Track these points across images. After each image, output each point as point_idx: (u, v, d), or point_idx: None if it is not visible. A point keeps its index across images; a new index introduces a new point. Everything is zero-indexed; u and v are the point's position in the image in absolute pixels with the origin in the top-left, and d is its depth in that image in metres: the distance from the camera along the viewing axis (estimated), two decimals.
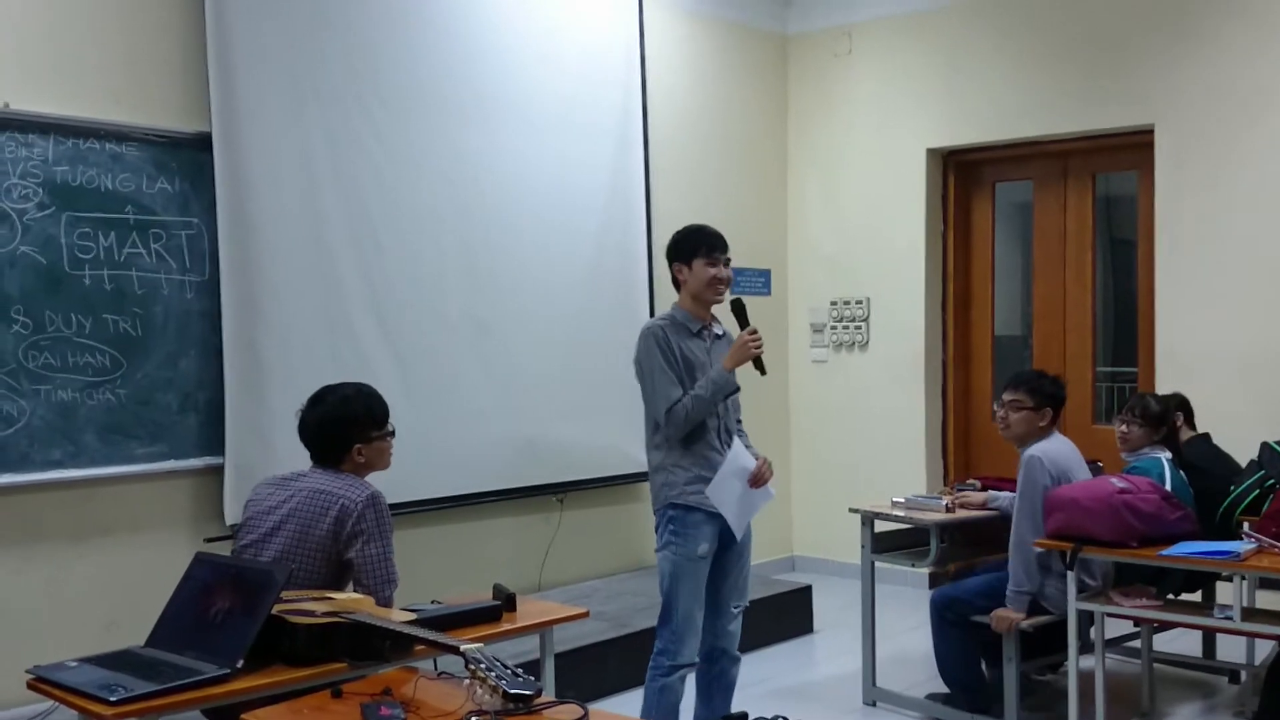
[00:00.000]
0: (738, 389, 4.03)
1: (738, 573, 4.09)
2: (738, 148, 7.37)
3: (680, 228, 4.21)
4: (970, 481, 5.22)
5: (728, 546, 4.02)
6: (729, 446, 3.98)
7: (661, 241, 6.67)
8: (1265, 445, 4.72)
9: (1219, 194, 6.00)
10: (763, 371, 4.03)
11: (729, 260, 4.09)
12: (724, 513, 3.92)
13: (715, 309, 4.15)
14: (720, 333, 4.13)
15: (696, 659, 3.98)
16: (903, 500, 5.01)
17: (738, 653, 4.14)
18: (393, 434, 3.55)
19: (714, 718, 4.11)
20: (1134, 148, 6.38)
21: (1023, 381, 4.64)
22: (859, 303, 7.35)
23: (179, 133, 4.77)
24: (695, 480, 3.92)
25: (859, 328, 7.36)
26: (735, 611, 4.10)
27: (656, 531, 4.00)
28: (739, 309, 4.11)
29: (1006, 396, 4.63)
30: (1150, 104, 6.18)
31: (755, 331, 3.96)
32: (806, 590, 6.27)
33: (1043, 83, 6.57)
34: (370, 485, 3.37)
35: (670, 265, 4.13)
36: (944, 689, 4.87)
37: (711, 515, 3.92)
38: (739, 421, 4.18)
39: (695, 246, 4.06)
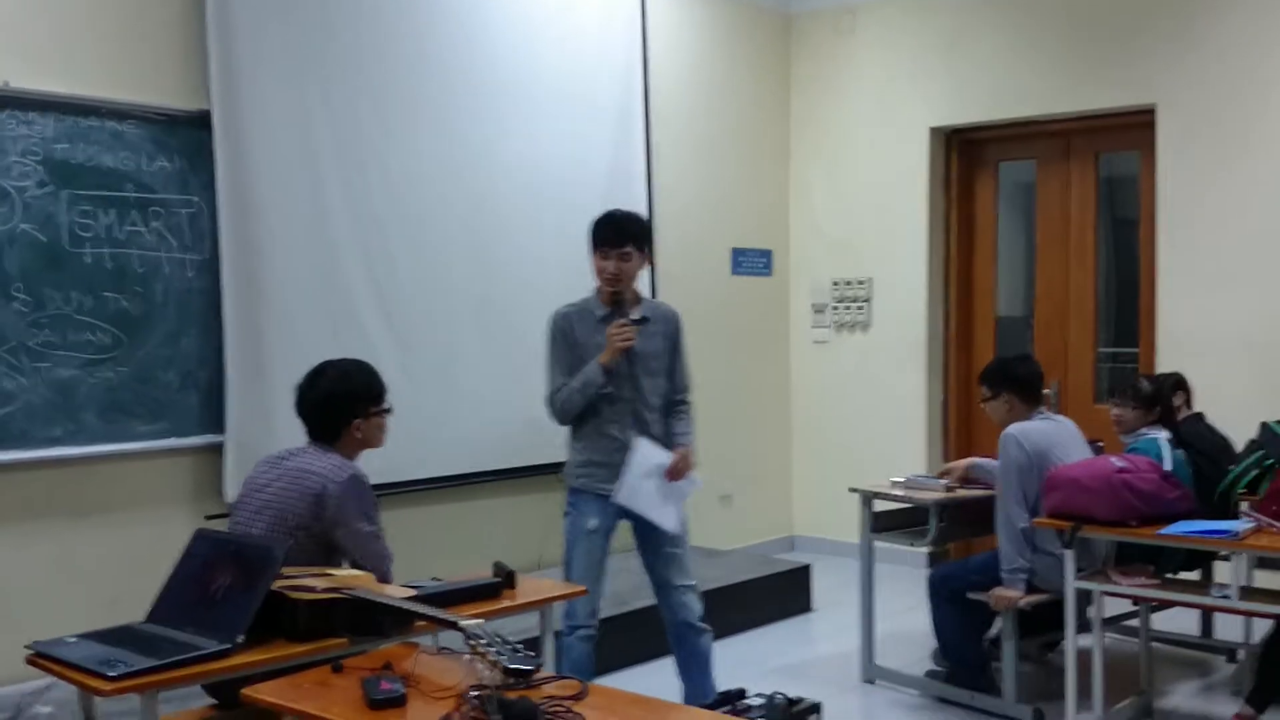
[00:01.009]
0: (603, 384, 4.03)
1: (670, 550, 4.19)
2: (739, 126, 7.35)
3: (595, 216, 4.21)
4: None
5: (650, 528, 4.15)
6: (631, 431, 4.06)
7: (663, 220, 6.72)
8: (1265, 425, 4.72)
9: (1221, 174, 5.98)
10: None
11: (627, 254, 4.06)
12: (645, 514, 4.07)
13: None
14: (638, 316, 4.13)
15: (593, 621, 4.11)
16: (902, 480, 5.02)
17: (702, 624, 4.24)
18: (390, 411, 3.55)
19: (697, 692, 4.22)
20: (1136, 127, 6.37)
21: (982, 376, 4.77)
22: (861, 283, 7.34)
23: (179, 111, 4.76)
24: (586, 464, 4.11)
25: (860, 308, 7.35)
26: (679, 585, 4.21)
27: None
28: (618, 302, 4.08)
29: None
30: (1152, 84, 6.16)
31: (623, 323, 4.01)
32: (805, 569, 6.29)
33: (1046, 61, 6.55)
34: (353, 466, 3.35)
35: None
36: (941, 666, 4.90)
37: (601, 495, 4.07)
38: (681, 403, 4.24)
39: (593, 237, 4.12)
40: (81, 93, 4.50)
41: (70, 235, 4.48)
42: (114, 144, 4.59)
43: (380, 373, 3.59)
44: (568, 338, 4.08)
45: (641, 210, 6.43)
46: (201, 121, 4.79)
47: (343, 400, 3.45)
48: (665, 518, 4.12)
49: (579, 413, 4.08)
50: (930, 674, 4.92)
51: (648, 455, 4.06)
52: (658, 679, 4.51)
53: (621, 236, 4.09)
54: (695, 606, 4.23)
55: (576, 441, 4.13)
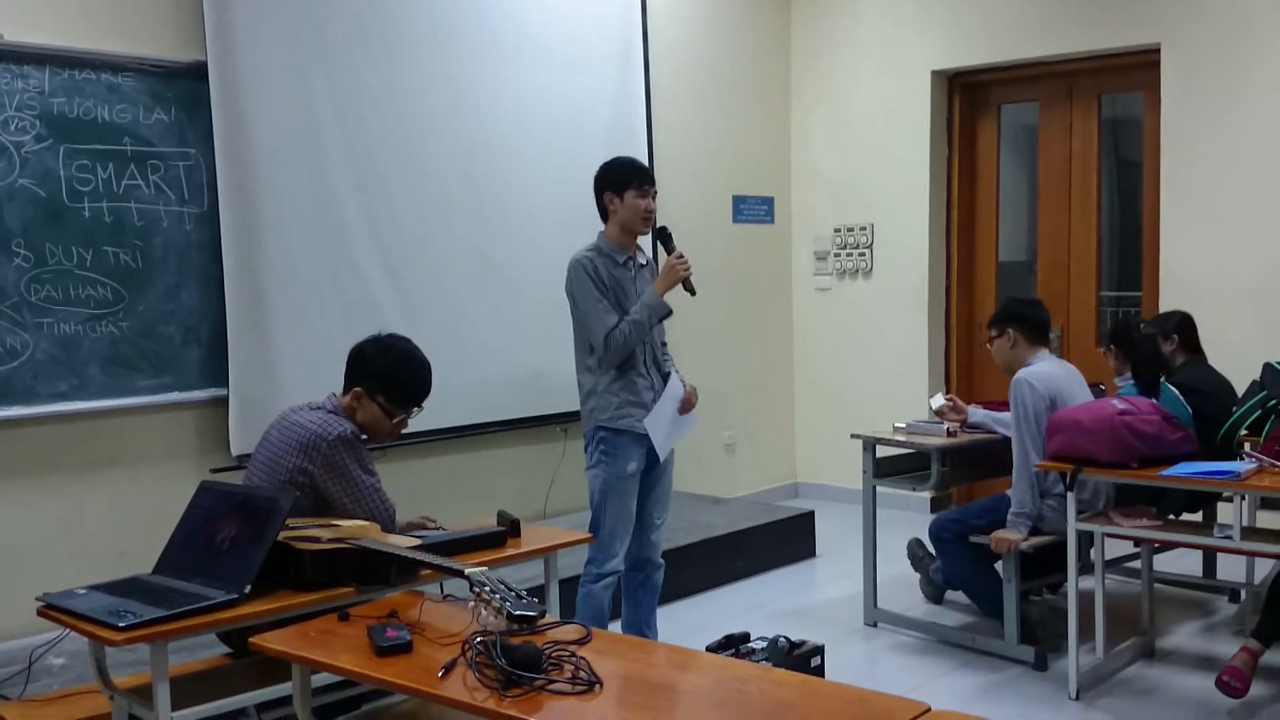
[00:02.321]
0: (670, 312, 4.17)
1: (661, 489, 4.33)
2: (740, 72, 7.30)
3: (610, 159, 4.27)
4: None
5: (651, 467, 4.25)
6: (654, 371, 4.20)
7: (664, 169, 6.68)
8: (1268, 365, 4.70)
9: (1225, 114, 5.94)
10: (692, 293, 4.18)
11: (655, 193, 4.21)
12: (654, 438, 4.14)
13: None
14: (644, 262, 4.27)
15: (621, 568, 4.22)
16: (904, 425, 5.03)
17: (660, 560, 4.40)
18: (403, 421, 3.46)
19: (643, 620, 4.37)
20: (1140, 68, 6.31)
21: (990, 320, 4.83)
22: (863, 229, 7.31)
23: (174, 62, 4.73)
24: (625, 405, 4.12)
25: (863, 255, 7.33)
26: (658, 524, 4.35)
27: (586, 451, 4.21)
28: (665, 236, 4.32)
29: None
30: (1156, 23, 6.09)
31: (682, 255, 4.12)
32: (809, 515, 6.32)
33: (1048, 2, 6.48)
34: (347, 425, 3.29)
35: (599, 195, 4.21)
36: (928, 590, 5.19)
37: (640, 436, 4.13)
38: (664, 345, 4.35)
39: (628, 178, 4.16)
40: (76, 45, 4.47)
41: (69, 189, 4.47)
42: (110, 97, 4.57)
43: (427, 380, 3.49)
44: (600, 279, 4.08)
45: (643, 158, 6.41)
46: (198, 73, 4.76)
47: (361, 371, 3.40)
48: (665, 444, 4.23)
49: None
50: (928, 582, 5.21)
51: (674, 386, 4.21)
52: (662, 623, 4.54)
53: (652, 175, 4.22)
54: (660, 545, 4.40)
55: (614, 384, 4.11)
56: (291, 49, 5.04)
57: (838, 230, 7.43)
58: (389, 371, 3.40)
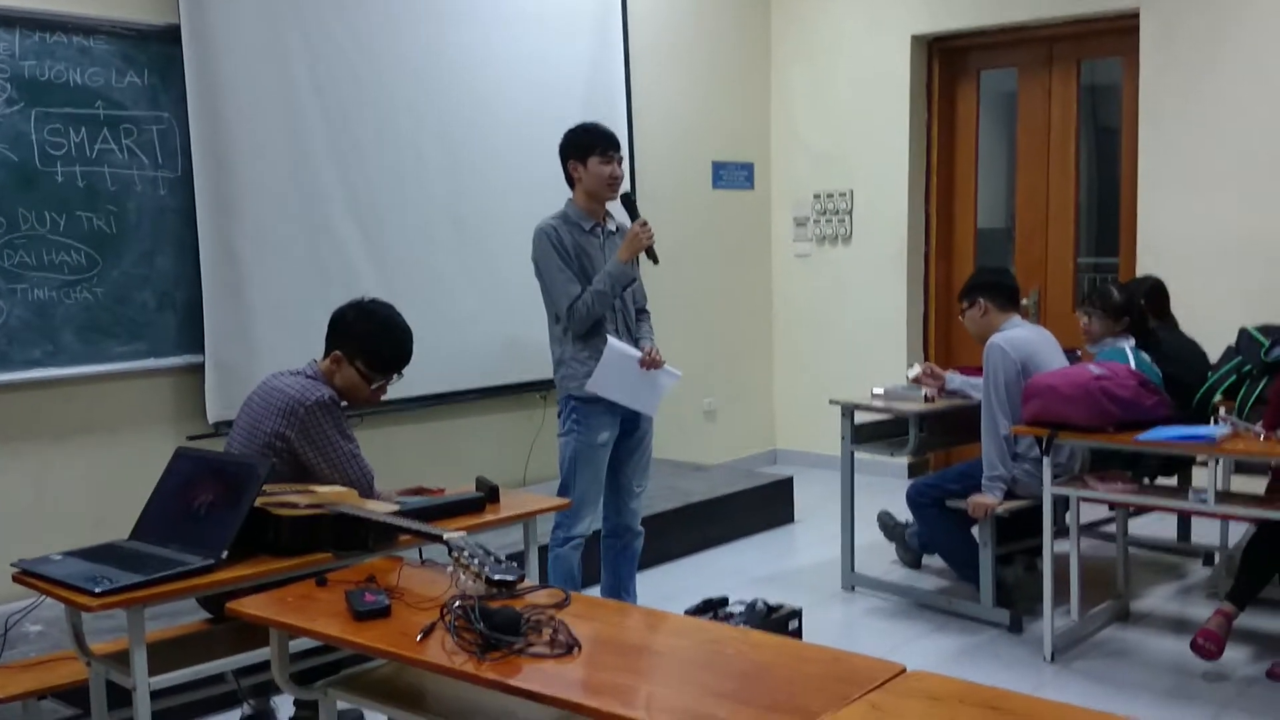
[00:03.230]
0: (635, 279, 4.18)
1: (639, 457, 4.32)
2: (719, 38, 7.25)
3: (573, 126, 4.24)
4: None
5: (629, 434, 4.24)
6: (625, 338, 4.16)
7: (643, 135, 6.65)
8: (1243, 331, 4.73)
9: (1202, 80, 5.94)
10: (655, 260, 4.17)
11: (622, 159, 4.19)
12: (621, 401, 4.11)
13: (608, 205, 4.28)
14: (613, 229, 4.25)
15: (588, 532, 4.23)
16: (882, 391, 5.05)
17: (640, 527, 4.42)
18: (382, 388, 3.42)
19: (622, 586, 4.40)
20: (1119, 33, 6.31)
21: (961, 291, 4.86)
22: (842, 195, 7.31)
23: (147, 25, 4.67)
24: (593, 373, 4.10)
25: (842, 221, 7.33)
26: (638, 491, 4.36)
27: (560, 418, 4.21)
28: (629, 203, 4.26)
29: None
30: None
31: (645, 222, 4.11)
32: (788, 482, 6.35)
33: None
34: (326, 390, 3.25)
35: (565, 163, 4.19)
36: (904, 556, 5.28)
37: (613, 406, 4.12)
38: (644, 311, 4.34)
39: (591, 144, 4.14)
40: (47, 7, 4.40)
41: (41, 154, 4.41)
42: (82, 60, 4.51)
43: (408, 347, 3.42)
44: (564, 248, 4.07)
45: (622, 126, 6.37)
46: (171, 35, 4.70)
47: (341, 336, 3.36)
48: (647, 405, 4.22)
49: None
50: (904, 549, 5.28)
51: (615, 349, 4.10)
52: (641, 588, 4.56)
53: (616, 140, 4.18)
54: (640, 512, 4.41)
55: (581, 352, 4.11)
56: (266, 11, 4.98)
57: (817, 196, 7.42)
58: (369, 337, 3.36)
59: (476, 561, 2.36)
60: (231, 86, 4.87)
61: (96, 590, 2.55)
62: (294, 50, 5.09)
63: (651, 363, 4.14)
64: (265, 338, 4.93)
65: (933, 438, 5.07)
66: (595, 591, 4.45)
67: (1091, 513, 4.99)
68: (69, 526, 4.35)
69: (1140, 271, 5.92)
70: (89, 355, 4.57)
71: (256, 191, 4.97)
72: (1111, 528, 4.99)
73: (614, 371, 4.08)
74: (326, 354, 3.38)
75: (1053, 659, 4.19)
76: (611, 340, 4.10)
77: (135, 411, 4.75)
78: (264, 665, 2.70)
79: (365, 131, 5.36)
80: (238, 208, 4.91)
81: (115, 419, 4.70)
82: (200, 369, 4.84)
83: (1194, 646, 3.97)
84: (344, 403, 3.36)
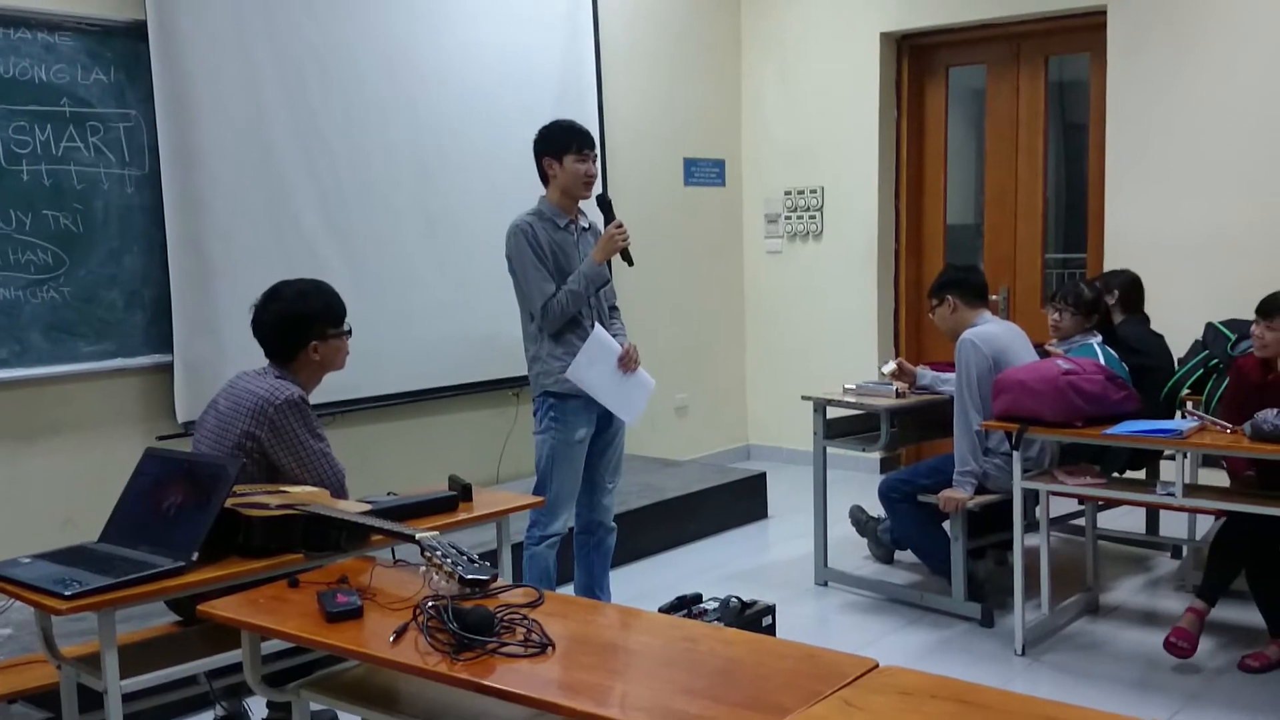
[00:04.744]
0: (608, 280, 4.19)
1: (611, 453, 4.34)
2: (690, 35, 7.26)
3: (548, 123, 4.24)
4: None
5: (601, 430, 4.25)
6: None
7: (614, 132, 6.65)
8: (1210, 325, 4.79)
9: (1169, 77, 5.99)
10: (630, 262, 4.19)
11: (597, 157, 4.21)
12: (598, 397, 4.12)
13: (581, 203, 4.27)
14: (587, 225, 4.25)
15: (564, 530, 4.24)
16: (854, 387, 5.07)
17: (613, 524, 4.43)
18: (349, 333, 3.43)
19: (596, 583, 4.40)
20: (1086, 29, 6.35)
21: (929, 289, 4.88)
22: (813, 192, 7.33)
23: (112, 21, 4.63)
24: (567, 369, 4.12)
25: (813, 217, 7.35)
26: (610, 488, 4.38)
27: (535, 416, 4.21)
28: (605, 205, 4.26)
29: None
30: None
31: (621, 224, 4.13)
32: (761, 477, 6.37)
33: None
34: (291, 389, 3.23)
35: (539, 160, 4.19)
36: (877, 552, 5.31)
37: (589, 403, 4.13)
38: (614, 309, 4.35)
39: (566, 143, 4.14)
40: (10, 3, 4.35)
41: (6, 152, 4.37)
42: (47, 57, 4.46)
43: (332, 292, 3.44)
44: (540, 246, 4.06)
45: (594, 122, 6.37)
46: (137, 32, 4.66)
47: (299, 322, 3.32)
48: (623, 410, 4.21)
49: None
50: (876, 544, 5.32)
51: (599, 338, 4.11)
52: (615, 586, 4.56)
53: (592, 139, 4.18)
54: (612, 509, 4.42)
55: (557, 349, 4.10)
56: (233, 7, 4.95)
57: (788, 193, 7.44)
58: (325, 308, 3.35)
59: (449, 561, 2.36)
60: (199, 83, 4.83)
61: (67, 593, 2.53)
62: (261, 46, 5.06)
63: (630, 360, 4.16)
64: (234, 336, 4.88)
65: (904, 433, 5.10)
66: (569, 590, 4.45)
67: (1061, 506, 5.03)
68: (37, 528, 4.30)
69: (1108, 266, 5.95)
70: (56, 355, 4.53)
71: (225, 189, 4.94)
72: (1081, 521, 5.04)
73: (593, 362, 4.08)
74: (297, 354, 3.34)
75: (1024, 652, 4.22)
76: (598, 329, 4.12)
77: (104, 411, 4.71)
78: (236, 667, 2.69)
79: (334, 128, 5.33)
80: (206, 205, 4.88)
81: (83, 419, 4.66)
82: (169, 368, 4.81)
83: (1167, 645, 4.01)
84: (315, 390, 3.35)
